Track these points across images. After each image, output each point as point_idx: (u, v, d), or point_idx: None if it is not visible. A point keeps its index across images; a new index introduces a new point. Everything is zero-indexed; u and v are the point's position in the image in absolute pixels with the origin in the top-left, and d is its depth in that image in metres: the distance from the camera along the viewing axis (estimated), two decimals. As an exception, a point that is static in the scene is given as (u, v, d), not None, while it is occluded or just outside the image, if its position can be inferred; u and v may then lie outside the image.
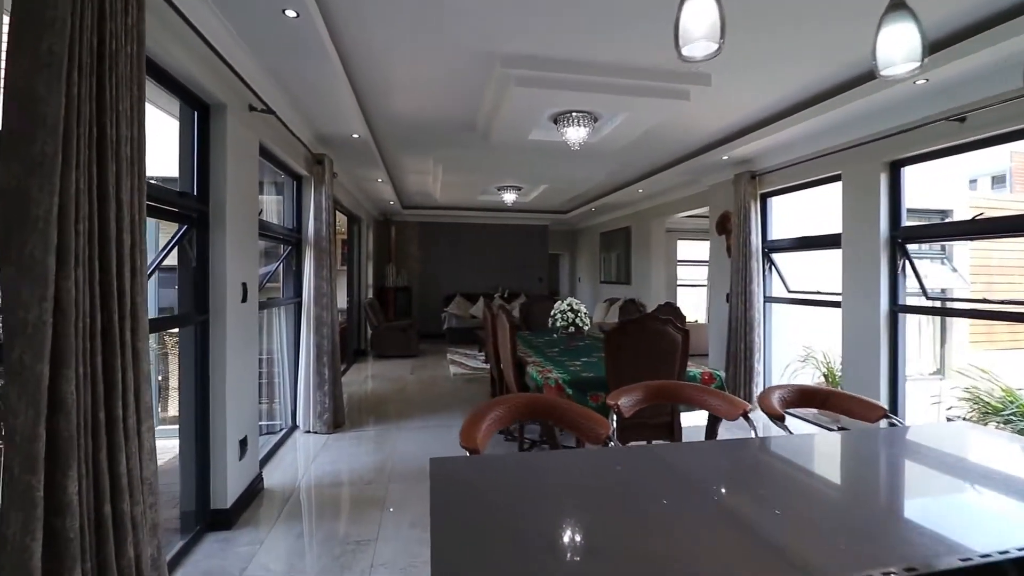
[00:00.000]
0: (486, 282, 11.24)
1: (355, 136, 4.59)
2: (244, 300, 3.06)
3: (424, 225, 10.99)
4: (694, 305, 10.63)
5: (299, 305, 4.71)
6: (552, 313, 4.46)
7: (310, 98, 3.64)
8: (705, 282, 11.58)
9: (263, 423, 4.91)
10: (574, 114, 4.14)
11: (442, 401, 5.65)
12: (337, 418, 4.68)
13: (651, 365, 3.03)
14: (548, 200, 8.98)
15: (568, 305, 4.44)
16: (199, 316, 2.74)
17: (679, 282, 9.98)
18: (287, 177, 4.78)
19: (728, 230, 5.84)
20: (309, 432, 4.54)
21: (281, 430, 4.64)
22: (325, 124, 4.27)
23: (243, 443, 3.04)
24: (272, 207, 4.95)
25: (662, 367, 3.06)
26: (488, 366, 7.30)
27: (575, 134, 4.22)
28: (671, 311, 4.46)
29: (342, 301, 8.36)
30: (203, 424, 2.77)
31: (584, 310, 4.46)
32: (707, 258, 11.70)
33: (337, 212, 6.65)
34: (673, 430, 3.07)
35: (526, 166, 6.11)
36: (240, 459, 2.99)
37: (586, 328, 4.42)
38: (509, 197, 7.71)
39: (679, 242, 9.96)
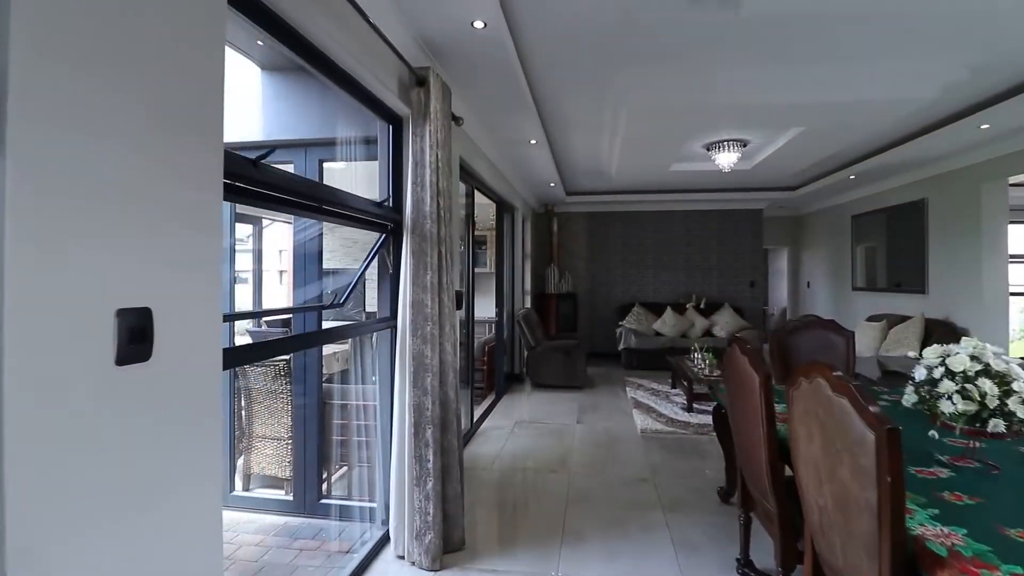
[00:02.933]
0: (673, 288, 8.55)
1: (479, 25, 2.51)
2: (141, 357, 1.11)
3: (593, 216, 8.73)
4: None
5: (395, 331, 2.79)
6: (936, 375, 1.80)
7: None
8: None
9: (337, 500, 3.17)
10: None
11: (635, 499, 3.28)
12: (451, 537, 2.64)
13: None
14: (780, 165, 6.01)
15: (977, 359, 1.74)
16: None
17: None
18: (380, 122, 2.91)
19: None
20: (403, 559, 2.58)
21: (362, 544, 2.77)
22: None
23: None
24: (361, 179, 3.18)
25: None
26: (690, 418, 4.54)
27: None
28: None
29: (486, 311, 6.52)
30: None
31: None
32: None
33: (475, 191, 4.73)
34: None
35: (784, 79, 3.42)
36: None
37: (1035, 421, 1.67)
38: (727, 159, 5.03)
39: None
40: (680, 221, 8.54)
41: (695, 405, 5.27)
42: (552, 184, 6.75)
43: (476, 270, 8.08)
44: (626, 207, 8.52)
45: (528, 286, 7.91)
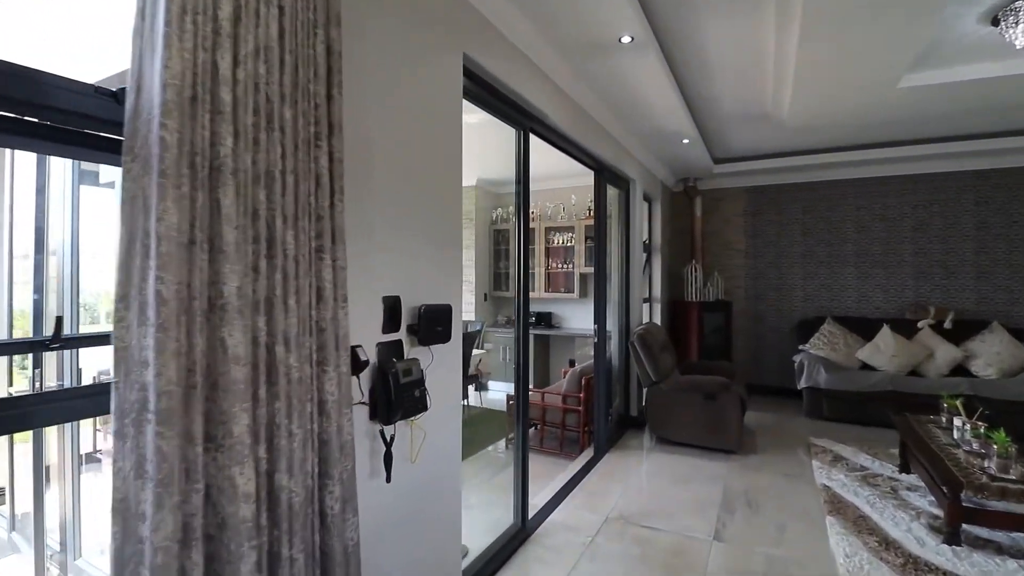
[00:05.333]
0: (892, 296, 5.58)
1: None
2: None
3: (755, 193, 6.17)
4: None
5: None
6: None
7: None
8: None
9: None
10: None
11: None
12: None
13: None
14: None
15: None
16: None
17: None
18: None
19: None
20: None
21: None
22: None
23: None
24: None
25: None
26: (956, 562, 2.01)
27: None
28: None
29: (576, 321, 4.58)
30: None
31: None
32: None
33: (529, 135, 2.89)
34: None
35: None
36: None
37: None
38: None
39: None
40: (903, 191, 5.54)
41: (965, 527, 2.70)
42: (686, 140, 4.54)
43: (585, 270, 6.17)
44: (808, 175, 5.81)
45: (657, 291, 5.74)
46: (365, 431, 1.54)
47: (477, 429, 5.06)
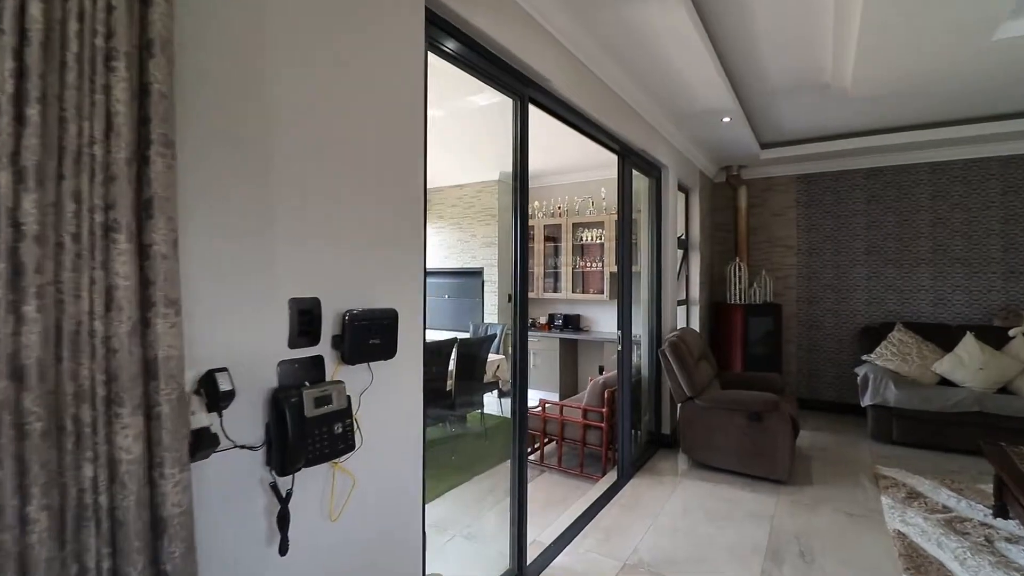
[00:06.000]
0: (975, 299, 4.77)
1: None
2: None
3: (809, 181, 5.45)
4: None
5: None
6: None
7: None
8: None
9: None
10: None
11: None
12: None
13: None
14: None
15: None
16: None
17: None
18: None
19: None
20: None
21: None
22: None
23: None
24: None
25: None
26: None
27: None
28: None
29: (605, 324, 4.08)
30: None
31: None
32: None
33: (528, 106, 2.44)
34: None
35: None
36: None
37: None
38: None
39: None
40: (990, 175, 4.72)
41: (1100, 606, 2.06)
42: (726, 119, 3.96)
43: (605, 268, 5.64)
44: (874, 159, 5.06)
45: (695, 293, 5.15)
46: (259, 480, 1.14)
47: (495, 441, 4.64)
